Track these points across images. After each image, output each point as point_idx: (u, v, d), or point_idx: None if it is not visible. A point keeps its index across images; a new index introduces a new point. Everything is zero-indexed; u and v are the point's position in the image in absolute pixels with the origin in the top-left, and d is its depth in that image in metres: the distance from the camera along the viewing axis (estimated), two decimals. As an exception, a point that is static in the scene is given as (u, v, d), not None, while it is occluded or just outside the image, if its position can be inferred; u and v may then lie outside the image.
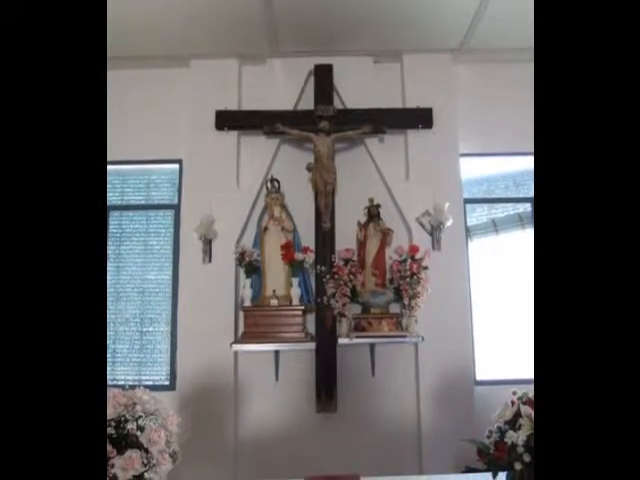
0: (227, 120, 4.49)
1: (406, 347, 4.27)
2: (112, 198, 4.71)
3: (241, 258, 4.17)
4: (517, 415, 2.05)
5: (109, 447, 1.81)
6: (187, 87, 4.64)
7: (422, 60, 4.61)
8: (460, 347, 4.23)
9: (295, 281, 4.14)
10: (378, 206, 4.29)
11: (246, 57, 4.65)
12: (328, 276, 3.99)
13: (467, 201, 4.60)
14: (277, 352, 4.24)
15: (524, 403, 2.06)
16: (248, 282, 4.16)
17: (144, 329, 4.56)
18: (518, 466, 1.94)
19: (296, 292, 4.11)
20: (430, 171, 4.43)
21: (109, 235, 4.64)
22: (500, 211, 4.76)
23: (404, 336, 4.00)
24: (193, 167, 4.52)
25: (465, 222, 4.53)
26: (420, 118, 4.47)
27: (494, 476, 2.05)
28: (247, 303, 4.10)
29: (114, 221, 4.70)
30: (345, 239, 4.25)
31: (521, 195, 4.75)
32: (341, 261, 4.03)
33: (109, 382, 4.28)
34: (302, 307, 4.10)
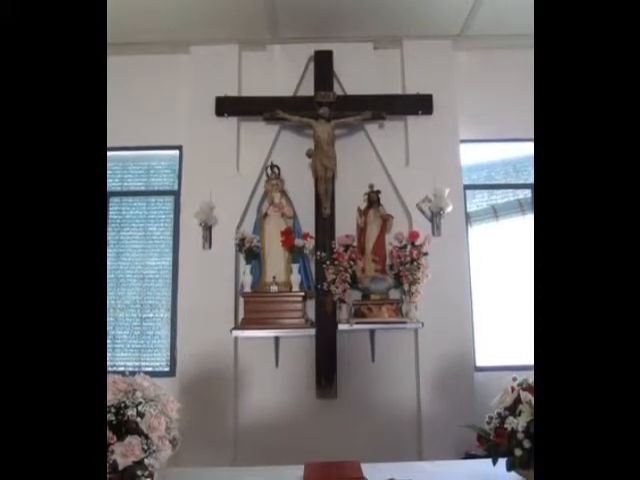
0: (227, 106, 4.48)
1: (406, 333, 4.28)
2: (112, 184, 4.71)
3: (241, 244, 4.16)
4: (517, 401, 2.05)
5: (109, 433, 1.81)
6: (187, 73, 4.63)
7: (422, 46, 4.59)
8: (460, 333, 4.24)
9: (295, 267, 4.14)
10: (378, 192, 4.28)
11: (246, 43, 4.62)
12: (328, 262, 4.00)
13: (467, 187, 4.61)
14: (277, 338, 4.25)
15: (524, 389, 2.06)
16: (248, 268, 4.16)
17: (144, 315, 4.57)
18: (518, 452, 1.94)
19: (296, 278, 4.10)
20: (430, 157, 4.43)
21: (109, 221, 4.64)
22: (500, 197, 4.75)
23: (404, 322, 4.02)
24: (193, 153, 4.51)
25: (465, 208, 4.53)
26: (420, 104, 4.46)
27: (494, 462, 2.05)
28: (247, 289, 4.10)
29: (114, 207, 4.70)
30: (345, 225, 4.25)
31: (521, 181, 4.75)
32: (341, 247, 4.04)
33: (109, 368, 4.28)
34: (302, 293, 4.10)
